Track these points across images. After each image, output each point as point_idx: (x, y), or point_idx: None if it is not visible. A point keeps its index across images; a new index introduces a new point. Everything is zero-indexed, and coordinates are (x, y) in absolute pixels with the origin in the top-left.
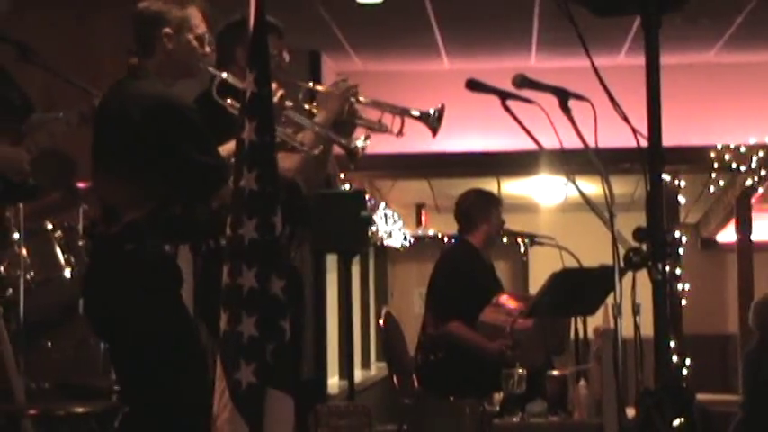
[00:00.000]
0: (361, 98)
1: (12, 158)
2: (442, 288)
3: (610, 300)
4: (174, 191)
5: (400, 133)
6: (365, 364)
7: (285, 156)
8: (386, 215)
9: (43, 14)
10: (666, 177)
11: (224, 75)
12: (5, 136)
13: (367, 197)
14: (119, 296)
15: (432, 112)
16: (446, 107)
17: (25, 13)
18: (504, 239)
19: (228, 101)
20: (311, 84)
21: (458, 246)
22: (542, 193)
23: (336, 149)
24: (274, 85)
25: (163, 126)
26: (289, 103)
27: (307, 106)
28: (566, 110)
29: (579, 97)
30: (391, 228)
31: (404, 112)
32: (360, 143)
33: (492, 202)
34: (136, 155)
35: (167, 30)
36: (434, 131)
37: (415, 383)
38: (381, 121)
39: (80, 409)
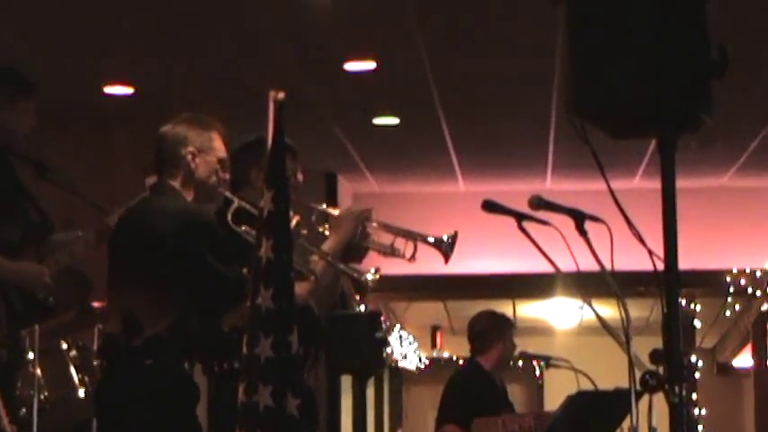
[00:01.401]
0: (374, 222)
1: (35, 273)
2: (445, 403)
3: (626, 424)
4: (195, 304)
5: (413, 258)
6: None
7: (298, 284)
8: (401, 337)
9: (61, 134)
10: (682, 301)
11: (242, 203)
12: (27, 255)
13: (382, 318)
14: (136, 411)
15: (445, 238)
16: (461, 229)
17: (44, 130)
18: (520, 362)
19: (244, 228)
20: (325, 206)
21: (468, 367)
22: (558, 316)
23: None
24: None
25: (191, 239)
26: (303, 231)
27: (320, 229)
28: (582, 232)
29: (595, 219)
30: (406, 349)
31: (417, 238)
32: (370, 276)
33: (506, 324)
34: (161, 267)
35: (191, 149)
36: (447, 258)
37: None
38: (394, 246)
39: None
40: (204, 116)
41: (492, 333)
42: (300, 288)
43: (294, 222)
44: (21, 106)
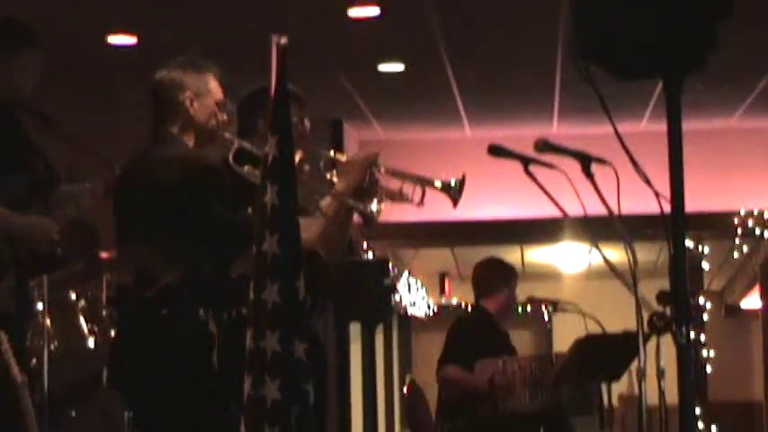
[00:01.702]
0: (381, 167)
1: (43, 229)
2: (448, 344)
3: (634, 366)
4: (206, 251)
5: (421, 203)
6: None
7: (306, 223)
8: (409, 284)
9: (65, 85)
10: (690, 243)
11: (243, 142)
12: (35, 208)
13: (390, 266)
14: (152, 361)
15: (453, 182)
16: (468, 175)
17: (46, 82)
18: (528, 307)
19: (246, 168)
20: (332, 152)
21: (473, 312)
22: (566, 261)
23: (356, 218)
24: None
25: (196, 186)
26: (306, 167)
27: (328, 175)
28: (588, 175)
29: (602, 161)
30: (415, 297)
31: (424, 182)
32: (374, 207)
33: (511, 272)
34: (169, 216)
35: (189, 94)
36: (455, 202)
37: None
38: (402, 191)
39: None
40: (199, 59)
41: (497, 278)
42: (310, 230)
43: (297, 159)
44: (25, 58)
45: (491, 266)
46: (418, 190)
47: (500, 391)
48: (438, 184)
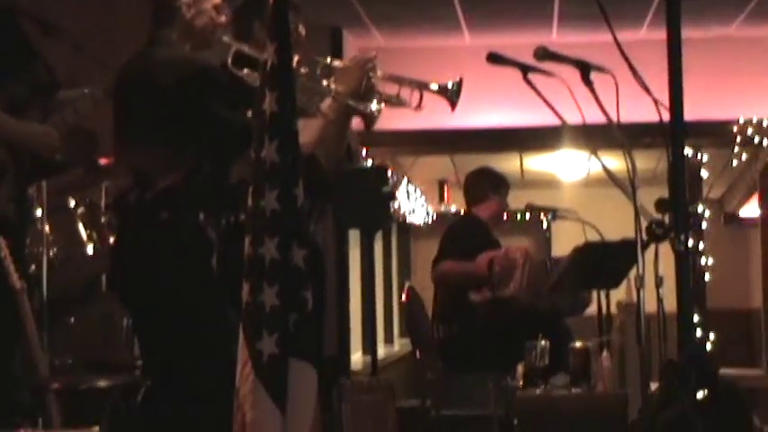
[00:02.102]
0: (378, 72)
1: (42, 135)
2: (441, 249)
3: (633, 273)
4: (205, 153)
5: (419, 107)
6: (388, 339)
7: (304, 125)
8: (408, 191)
9: None
10: (689, 152)
11: (242, 46)
12: (33, 113)
13: (389, 173)
14: (152, 265)
15: (450, 85)
16: (468, 82)
17: None
18: (527, 214)
19: (246, 71)
20: (328, 59)
21: (464, 217)
22: (564, 168)
23: (355, 125)
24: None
25: (193, 87)
26: (303, 70)
27: (325, 82)
28: (588, 83)
29: (601, 69)
30: (414, 204)
31: (422, 86)
32: (374, 107)
33: (501, 181)
34: (166, 119)
35: None
36: (453, 105)
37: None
38: (399, 96)
39: (103, 384)
40: None
41: (487, 186)
42: (309, 133)
43: (294, 62)
44: None
45: (482, 175)
46: (416, 94)
47: (498, 275)
48: (435, 87)
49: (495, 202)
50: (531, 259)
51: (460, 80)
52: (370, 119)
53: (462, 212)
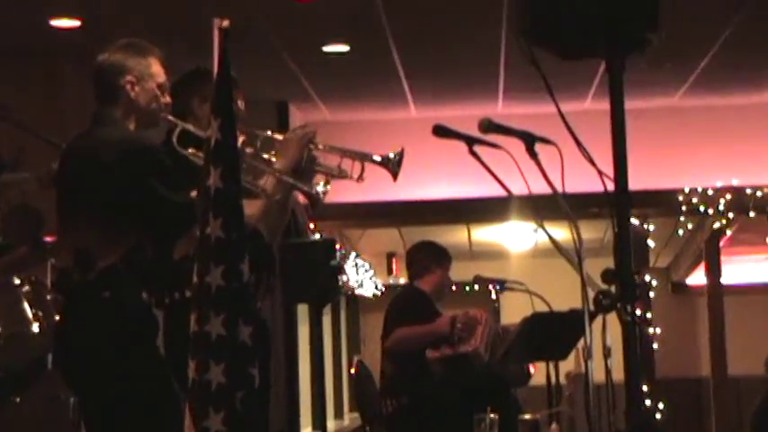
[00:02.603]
0: (319, 144)
1: None
2: (389, 323)
3: (581, 344)
4: (147, 232)
5: (360, 179)
6: (338, 414)
7: (247, 203)
8: (357, 264)
9: (8, 69)
10: (635, 221)
11: (187, 125)
12: None
13: (337, 246)
14: (95, 346)
15: (391, 155)
16: (414, 154)
17: None
18: (476, 286)
19: (191, 150)
20: (269, 132)
21: (406, 290)
22: (512, 240)
23: (302, 199)
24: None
25: (136, 166)
26: (249, 149)
27: (266, 155)
28: (533, 154)
29: (545, 141)
30: (362, 277)
31: (363, 157)
32: (320, 188)
33: (444, 254)
34: (108, 198)
35: (130, 77)
36: (395, 176)
37: None
38: (341, 167)
39: None
40: (141, 41)
41: (429, 259)
42: (251, 208)
43: (240, 142)
44: None
45: (423, 248)
46: (357, 165)
47: (459, 332)
48: (377, 158)
49: (437, 275)
50: (491, 321)
51: (402, 150)
52: (315, 199)
53: (404, 285)
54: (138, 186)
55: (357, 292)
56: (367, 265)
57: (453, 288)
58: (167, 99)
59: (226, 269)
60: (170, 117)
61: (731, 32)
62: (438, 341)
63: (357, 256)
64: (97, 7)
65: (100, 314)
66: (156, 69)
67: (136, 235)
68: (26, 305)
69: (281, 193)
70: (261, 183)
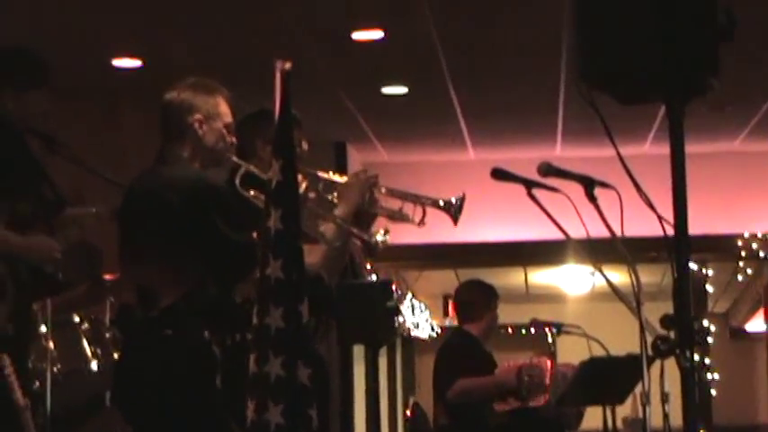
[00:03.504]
0: (381, 188)
1: (43, 247)
2: (444, 372)
3: (638, 389)
4: (210, 271)
5: (422, 223)
6: None
7: (309, 250)
8: (413, 306)
9: (70, 107)
10: (694, 266)
11: (250, 167)
12: (38, 230)
13: (394, 287)
14: (156, 383)
15: (453, 200)
16: (472, 197)
17: (54, 108)
18: (532, 329)
19: (252, 192)
20: (331, 174)
21: (456, 334)
22: (569, 283)
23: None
24: (299, 177)
25: (201, 205)
26: (311, 195)
27: (329, 197)
28: (591, 198)
29: (605, 185)
30: (418, 318)
31: (425, 202)
32: (380, 237)
33: (492, 295)
34: (173, 236)
35: (198, 116)
36: (456, 220)
37: None
38: (402, 211)
39: None
40: (209, 80)
41: (480, 304)
42: (313, 256)
43: (303, 187)
44: (33, 95)
45: (472, 290)
46: (419, 209)
47: (528, 385)
48: (439, 202)
49: (486, 319)
50: (556, 368)
51: (463, 196)
52: (373, 248)
53: (454, 330)
54: (203, 225)
55: (413, 333)
56: (423, 307)
57: (509, 331)
58: (233, 139)
59: (285, 310)
60: (235, 158)
61: None
62: (504, 393)
63: (413, 297)
64: (159, 47)
65: (161, 351)
66: (224, 109)
67: (199, 274)
68: (85, 343)
69: (341, 240)
70: (321, 228)
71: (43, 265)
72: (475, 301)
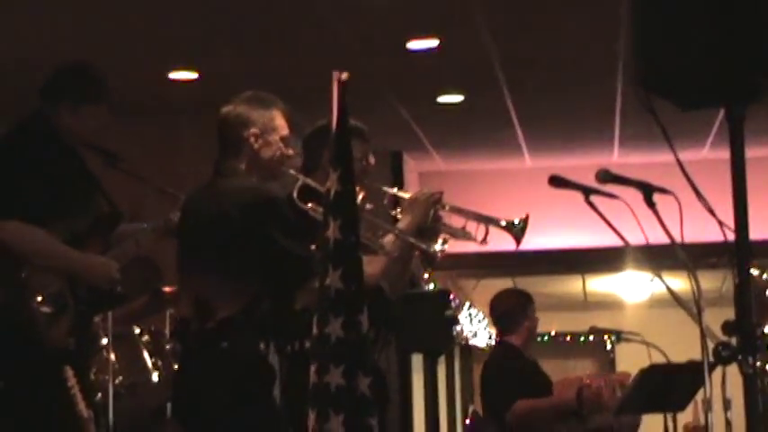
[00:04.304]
0: (446, 206)
1: (102, 268)
2: (497, 391)
3: (700, 396)
4: (266, 284)
5: (484, 241)
6: None
7: (369, 260)
8: (470, 315)
9: (127, 122)
10: (755, 272)
11: (307, 179)
12: (95, 245)
13: (451, 296)
14: (214, 395)
15: (516, 221)
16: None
17: (111, 122)
18: (591, 337)
19: (310, 205)
20: (396, 190)
21: (499, 347)
22: (628, 290)
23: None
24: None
25: (259, 217)
26: (369, 206)
27: (392, 212)
28: (650, 204)
29: (663, 191)
30: (476, 327)
31: (488, 221)
32: (438, 247)
33: (528, 300)
34: (231, 248)
35: (254, 130)
36: (518, 241)
37: None
38: (465, 229)
39: None
40: (265, 94)
41: (516, 313)
42: (374, 266)
43: (360, 198)
44: (91, 110)
45: (508, 300)
46: (482, 227)
47: (588, 404)
48: (503, 223)
49: (525, 328)
50: (614, 383)
51: (527, 217)
52: (432, 257)
53: (497, 343)
54: (261, 237)
55: (471, 342)
56: (481, 316)
57: (568, 339)
58: (290, 152)
59: (345, 320)
60: (291, 171)
61: None
62: (564, 414)
63: (471, 306)
64: (215, 60)
65: (217, 363)
66: (280, 122)
67: (256, 286)
68: (146, 355)
69: (402, 251)
70: (382, 240)
71: (101, 284)
72: (511, 311)
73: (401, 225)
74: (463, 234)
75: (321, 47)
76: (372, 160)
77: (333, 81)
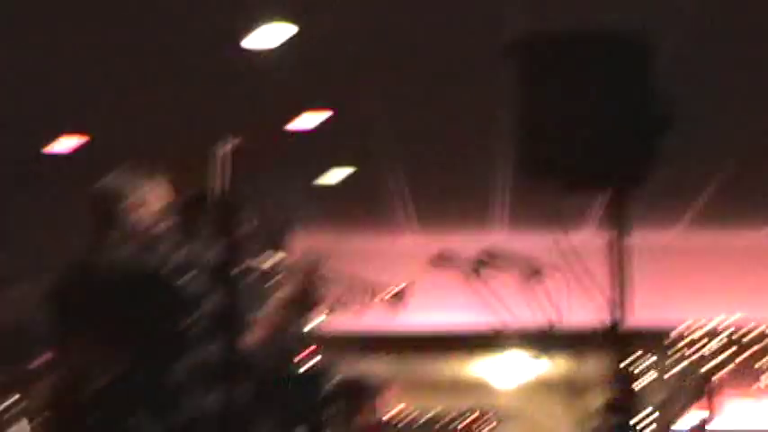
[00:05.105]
0: (324, 274)
1: None
2: None
3: None
4: (143, 354)
5: (362, 312)
6: None
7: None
8: None
9: None
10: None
11: (185, 250)
12: None
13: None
14: None
15: (394, 291)
16: (411, 282)
17: None
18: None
19: (187, 276)
20: (277, 256)
21: None
22: (504, 372)
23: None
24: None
25: (132, 291)
26: (252, 275)
27: (272, 280)
28: (535, 284)
29: (547, 272)
30: None
31: (366, 291)
32: (318, 319)
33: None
34: (105, 321)
35: (131, 202)
36: (397, 311)
37: None
38: (343, 299)
39: None
40: (144, 165)
41: None
42: (251, 337)
43: (241, 266)
44: None
45: None
46: (360, 298)
47: None
48: (379, 293)
49: None
50: None
51: (406, 286)
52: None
53: None
54: (134, 311)
55: None
56: None
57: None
58: (167, 222)
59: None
60: (170, 242)
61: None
62: None
63: None
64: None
65: None
66: (159, 193)
67: (130, 356)
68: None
69: (282, 323)
70: (263, 311)
71: None
72: None
73: (280, 294)
74: (341, 305)
75: (206, 120)
76: (253, 226)
77: (218, 151)
